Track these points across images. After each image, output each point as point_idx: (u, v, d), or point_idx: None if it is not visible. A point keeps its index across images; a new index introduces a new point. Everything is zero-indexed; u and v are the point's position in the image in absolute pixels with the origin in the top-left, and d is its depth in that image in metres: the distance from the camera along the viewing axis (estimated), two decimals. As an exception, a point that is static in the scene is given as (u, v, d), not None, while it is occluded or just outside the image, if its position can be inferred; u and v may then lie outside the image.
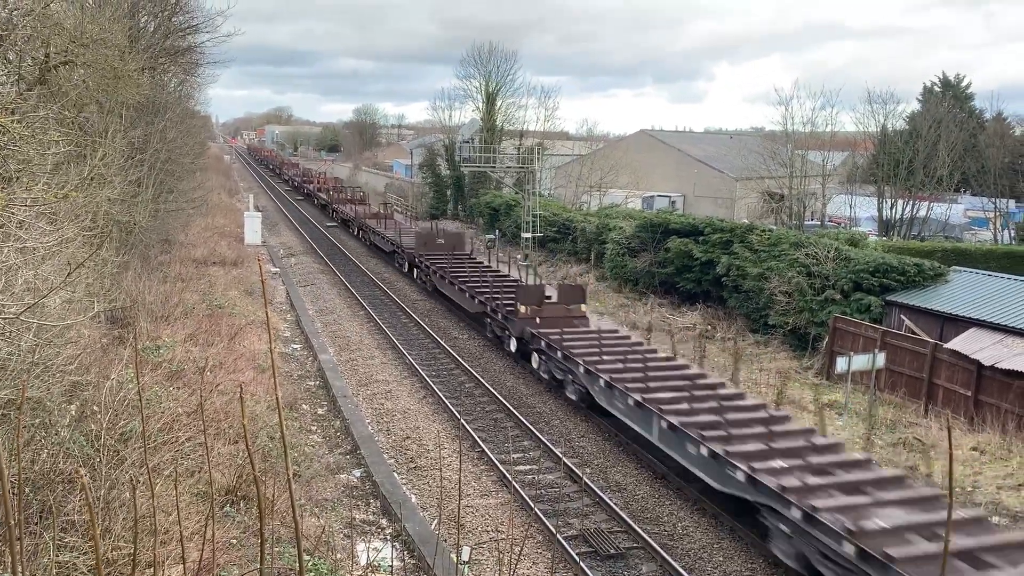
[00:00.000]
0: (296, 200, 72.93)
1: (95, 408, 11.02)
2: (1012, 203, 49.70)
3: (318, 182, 72.31)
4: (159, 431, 12.02)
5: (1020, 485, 15.72)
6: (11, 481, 6.42)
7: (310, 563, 10.96)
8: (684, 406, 15.13)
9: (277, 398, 2.58)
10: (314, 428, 18.14)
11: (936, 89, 64.25)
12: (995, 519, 12.26)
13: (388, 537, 13.33)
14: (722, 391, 16.37)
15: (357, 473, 15.77)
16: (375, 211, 49.70)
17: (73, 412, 10.98)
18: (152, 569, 7.57)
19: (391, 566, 12.03)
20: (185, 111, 36.79)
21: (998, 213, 47.57)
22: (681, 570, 12.30)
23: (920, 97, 63.70)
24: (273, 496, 11.29)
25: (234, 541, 11.08)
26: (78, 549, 8.48)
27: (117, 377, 12.05)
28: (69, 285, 11.08)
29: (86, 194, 14.23)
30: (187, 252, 32.61)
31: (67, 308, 12.08)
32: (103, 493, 9.25)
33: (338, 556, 11.87)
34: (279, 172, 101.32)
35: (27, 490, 8.88)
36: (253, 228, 43.29)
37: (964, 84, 65.29)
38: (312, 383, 21.36)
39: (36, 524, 8.60)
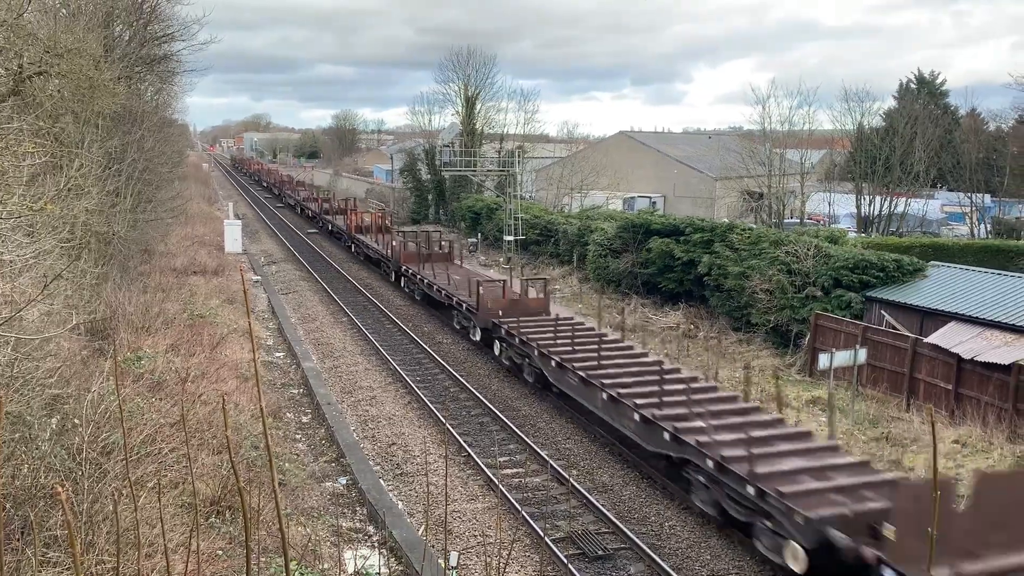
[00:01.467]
0: (276, 207, 72.39)
1: (76, 421, 10.91)
2: (988, 198, 50.24)
3: (354, 216, 43.84)
4: (142, 443, 11.91)
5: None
6: (-9, 497, 6.34)
7: (297, 572, 10.90)
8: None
9: (262, 408, 2.57)
10: (299, 436, 18.05)
11: (912, 86, 64.91)
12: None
13: (375, 544, 13.28)
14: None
15: (343, 480, 15.70)
16: (514, 292, 25.77)
17: (54, 426, 10.85)
18: (137, 583, 7.50)
19: (379, 573, 11.98)
20: (162, 120, 36.54)
21: (974, 208, 48.11)
22: (669, 570, 12.34)
23: (896, 94, 64.39)
24: (259, 506, 11.22)
25: (220, 552, 11.00)
26: (61, 564, 8.39)
27: (98, 389, 11.92)
28: (47, 297, 10.97)
29: (63, 205, 14.09)
30: (167, 262, 32.38)
31: (45, 321, 11.97)
32: (86, 507, 9.15)
33: (325, 565, 11.80)
34: (279, 194, 78.44)
35: (8, 506, 8.77)
36: (233, 236, 43.06)
37: (939, 81, 66.01)
38: (296, 391, 21.25)
39: (18, 540, 8.50)
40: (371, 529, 13.84)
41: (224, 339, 21.81)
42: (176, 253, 34.99)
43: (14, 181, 11.46)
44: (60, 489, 2.32)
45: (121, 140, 23.75)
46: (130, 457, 10.84)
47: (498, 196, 48.12)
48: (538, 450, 17.03)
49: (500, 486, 14.97)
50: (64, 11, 19.34)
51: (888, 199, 45.30)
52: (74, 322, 13.75)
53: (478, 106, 59.30)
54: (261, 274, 37.61)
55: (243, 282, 3.06)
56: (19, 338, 10.19)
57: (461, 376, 22.21)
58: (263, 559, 10.94)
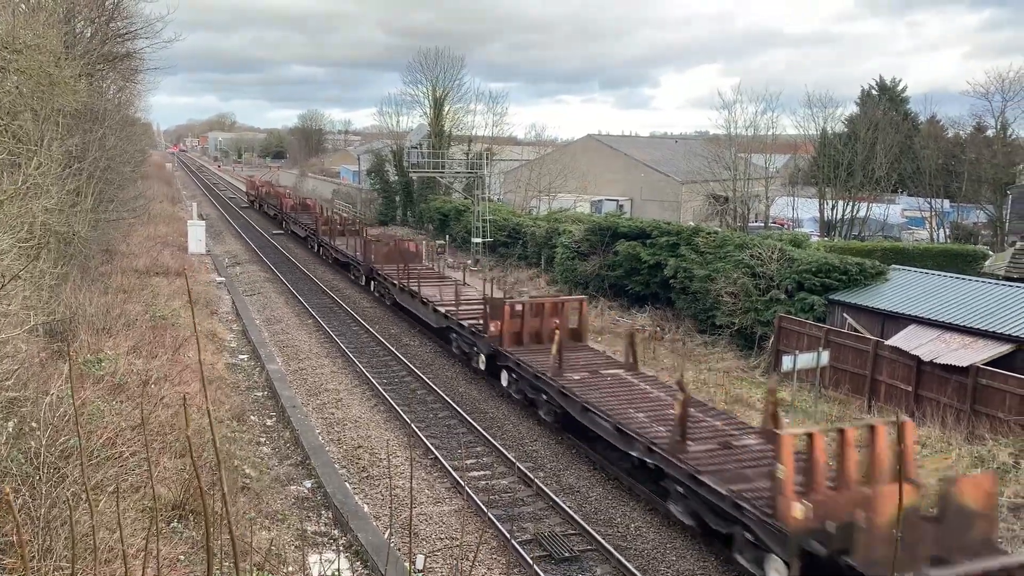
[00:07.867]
0: (241, 208, 71.54)
1: (34, 425, 10.68)
2: (947, 203, 51.21)
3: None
4: (102, 446, 11.69)
5: (960, 476, 16.17)
6: (-56, 503, 6.18)
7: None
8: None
9: (208, 410, 2.53)
10: (263, 440, 17.85)
11: (873, 92, 65.93)
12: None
13: (341, 548, 13.17)
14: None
15: (308, 484, 15.55)
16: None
17: (10, 429, 10.61)
18: (96, 589, 7.36)
19: (344, 577, 11.88)
20: (125, 118, 35.94)
21: (934, 213, 49.00)
22: (635, 571, 12.39)
23: (858, 100, 65.33)
24: (223, 510, 11.05)
25: (182, 557, 10.84)
26: (17, 571, 8.20)
27: (57, 392, 11.69)
28: (3, 298, 10.74)
29: (21, 204, 13.81)
30: (129, 262, 31.83)
31: (2, 322, 11.71)
32: (43, 512, 8.96)
33: (290, 569, 11.69)
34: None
35: (-38, 512, 8.56)
36: (197, 237, 42.50)
37: (900, 87, 67.12)
38: (260, 394, 21.02)
39: (-28, 547, 8.30)
40: (336, 532, 13.72)
41: (187, 341, 21.48)
42: (138, 254, 34.41)
43: (-30, 179, 11.20)
44: (8, 491, 2.26)
45: (82, 138, 23.32)
46: (89, 461, 10.65)
47: (466, 198, 48.05)
48: (505, 452, 17.02)
49: (467, 488, 14.94)
50: (24, 6, 18.97)
51: (850, 204, 45.98)
52: (32, 323, 13.47)
53: (446, 108, 59.18)
54: (225, 275, 37.15)
55: (188, 285, 3.01)
56: (-26, 340, 9.95)
57: (428, 378, 22.13)
58: (226, 563, 10.79)
